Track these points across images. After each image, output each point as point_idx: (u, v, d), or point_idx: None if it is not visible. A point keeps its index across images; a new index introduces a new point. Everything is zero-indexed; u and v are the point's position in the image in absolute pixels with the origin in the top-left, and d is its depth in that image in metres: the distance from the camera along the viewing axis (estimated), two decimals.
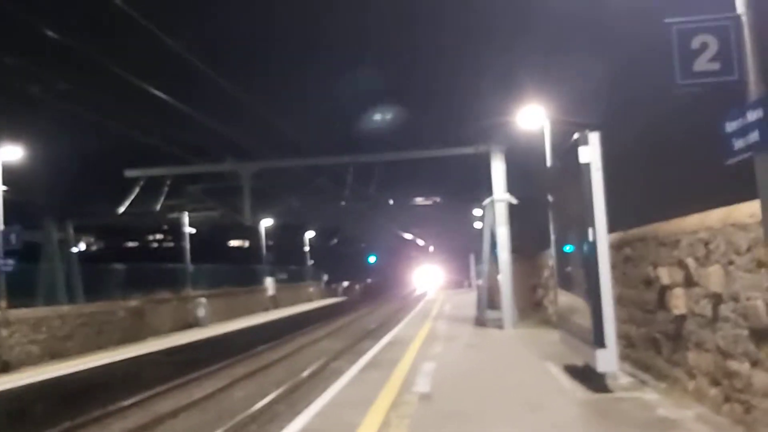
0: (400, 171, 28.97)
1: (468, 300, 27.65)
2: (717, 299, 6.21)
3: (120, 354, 17.54)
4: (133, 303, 22.60)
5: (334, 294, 59.54)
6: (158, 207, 24.66)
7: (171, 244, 52.14)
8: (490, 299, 19.49)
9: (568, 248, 9.84)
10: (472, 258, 36.55)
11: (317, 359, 19.50)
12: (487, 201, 19.04)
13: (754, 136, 4.67)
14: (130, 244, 60.88)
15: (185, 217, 28.18)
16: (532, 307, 19.10)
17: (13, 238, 17.35)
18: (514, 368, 10.78)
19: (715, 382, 6.37)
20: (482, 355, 12.68)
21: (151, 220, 34.55)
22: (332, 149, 27.26)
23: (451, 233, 54.45)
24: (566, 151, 9.25)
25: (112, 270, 27.37)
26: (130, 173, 23.48)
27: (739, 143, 4.85)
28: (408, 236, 58.90)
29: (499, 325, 17.45)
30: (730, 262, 5.88)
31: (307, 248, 55.81)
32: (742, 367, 5.74)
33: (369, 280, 71.20)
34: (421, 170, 29.82)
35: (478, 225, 28.29)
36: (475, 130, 19.68)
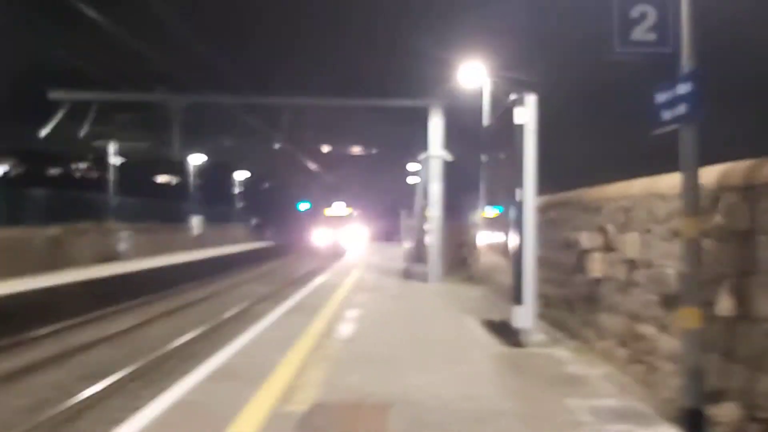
0: (338, 119, 28.70)
1: (397, 253, 27.94)
2: (632, 265, 6.46)
3: (35, 282, 16.96)
4: (53, 231, 21.79)
5: (262, 237, 59.05)
6: (83, 133, 23.61)
7: (96, 174, 50.35)
8: (418, 254, 19.76)
9: (496, 208, 10.02)
10: (403, 213, 36.90)
11: (240, 301, 19.44)
12: (423, 156, 19.10)
13: (681, 108, 4.79)
14: (54, 170, 58.37)
15: (111, 147, 27.12)
16: (457, 263, 19.46)
17: None
18: (435, 320, 11.00)
19: (623, 344, 6.67)
20: (406, 306, 12.87)
21: (76, 147, 33.15)
22: (269, 91, 26.60)
23: (386, 186, 54.67)
24: (503, 111, 9.33)
25: (32, 195, 26.21)
26: (54, 95, 22.29)
27: (666, 114, 4.98)
28: (341, 185, 58.76)
29: (424, 278, 17.73)
30: (648, 231, 6.11)
31: (236, 189, 54.92)
32: (649, 330, 6.03)
33: (299, 226, 70.88)
34: (359, 121, 29.63)
35: (411, 180, 28.42)
36: (417, 83, 19.61)
